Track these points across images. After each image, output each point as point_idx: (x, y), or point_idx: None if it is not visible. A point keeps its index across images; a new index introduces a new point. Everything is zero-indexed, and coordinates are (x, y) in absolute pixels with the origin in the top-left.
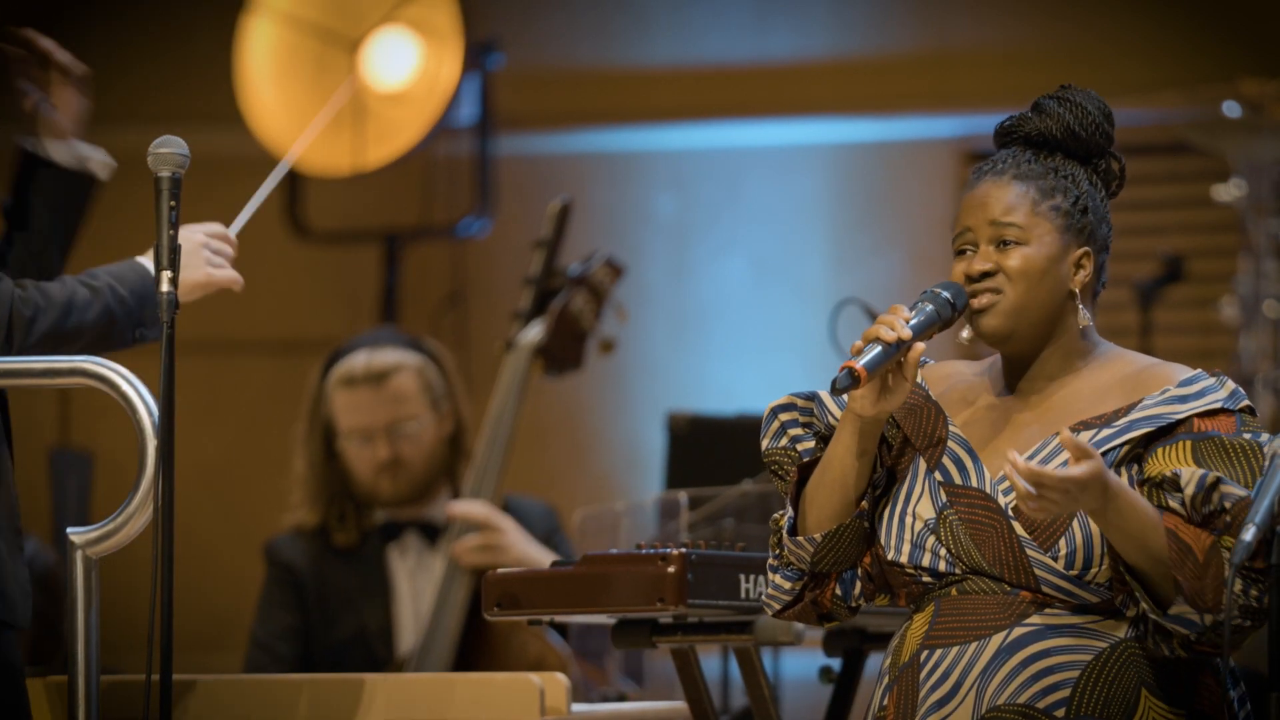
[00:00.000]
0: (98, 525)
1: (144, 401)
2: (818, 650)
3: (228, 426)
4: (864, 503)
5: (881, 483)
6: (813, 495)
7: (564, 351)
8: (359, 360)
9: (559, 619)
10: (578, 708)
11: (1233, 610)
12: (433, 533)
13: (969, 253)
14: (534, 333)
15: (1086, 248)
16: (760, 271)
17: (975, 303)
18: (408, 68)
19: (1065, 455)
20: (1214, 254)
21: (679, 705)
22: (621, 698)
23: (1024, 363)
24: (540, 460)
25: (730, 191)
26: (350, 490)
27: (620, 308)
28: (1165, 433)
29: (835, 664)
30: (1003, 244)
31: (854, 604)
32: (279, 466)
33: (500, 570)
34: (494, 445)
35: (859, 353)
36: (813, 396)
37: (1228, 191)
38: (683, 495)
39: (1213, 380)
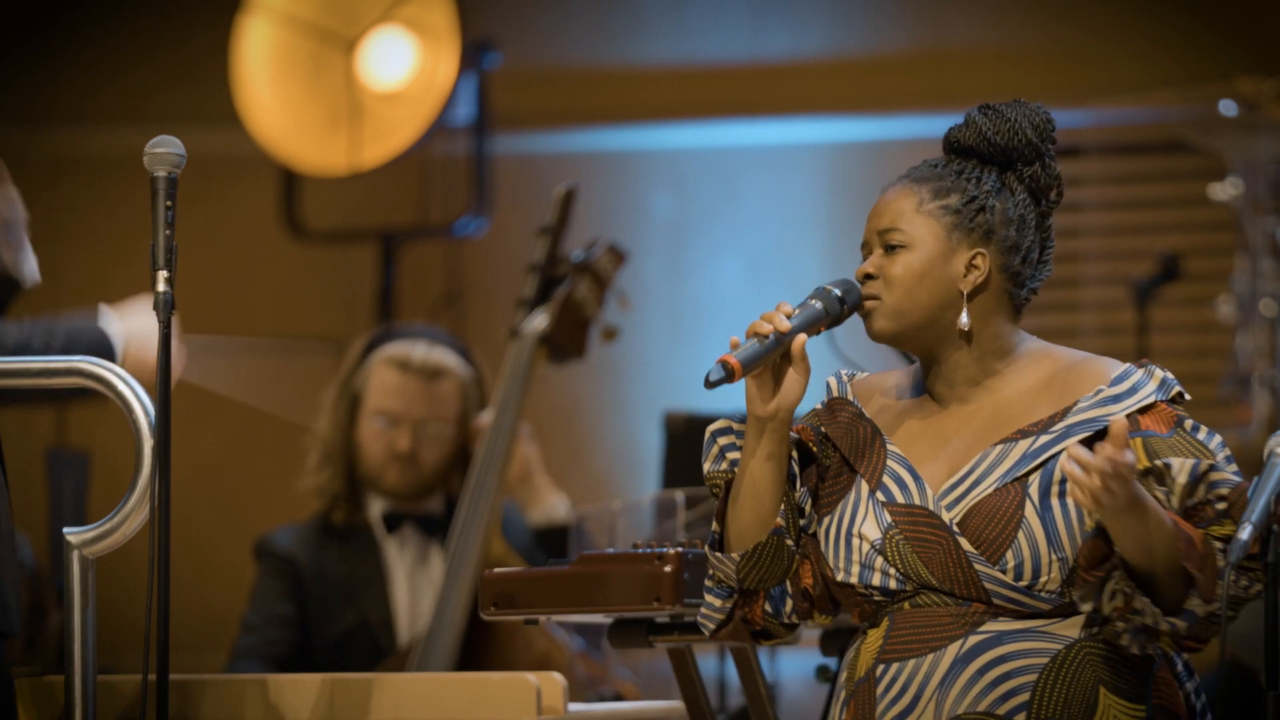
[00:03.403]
0: (94, 525)
1: (140, 401)
2: (815, 650)
3: (224, 426)
4: (780, 519)
5: (805, 501)
6: (731, 507)
7: (568, 340)
8: (418, 349)
9: (555, 619)
10: (574, 707)
11: (1226, 604)
12: (430, 526)
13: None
14: (539, 320)
15: (980, 249)
16: (757, 270)
17: (864, 305)
18: (404, 67)
19: (1000, 469)
20: (1210, 253)
21: (676, 705)
22: (618, 696)
23: (931, 363)
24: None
25: (727, 191)
26: (355, 471)
27: (623, 295)
28: (1104, 433)
29: (832, 663)
30: (889, 249)
31: (788, 620)
32: (276, 465)
33: (497, 570)
34: (499, 432)
35: (736, 347)
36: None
37: (1224, 190)
38: (679, 494)
39: (1141, 374)
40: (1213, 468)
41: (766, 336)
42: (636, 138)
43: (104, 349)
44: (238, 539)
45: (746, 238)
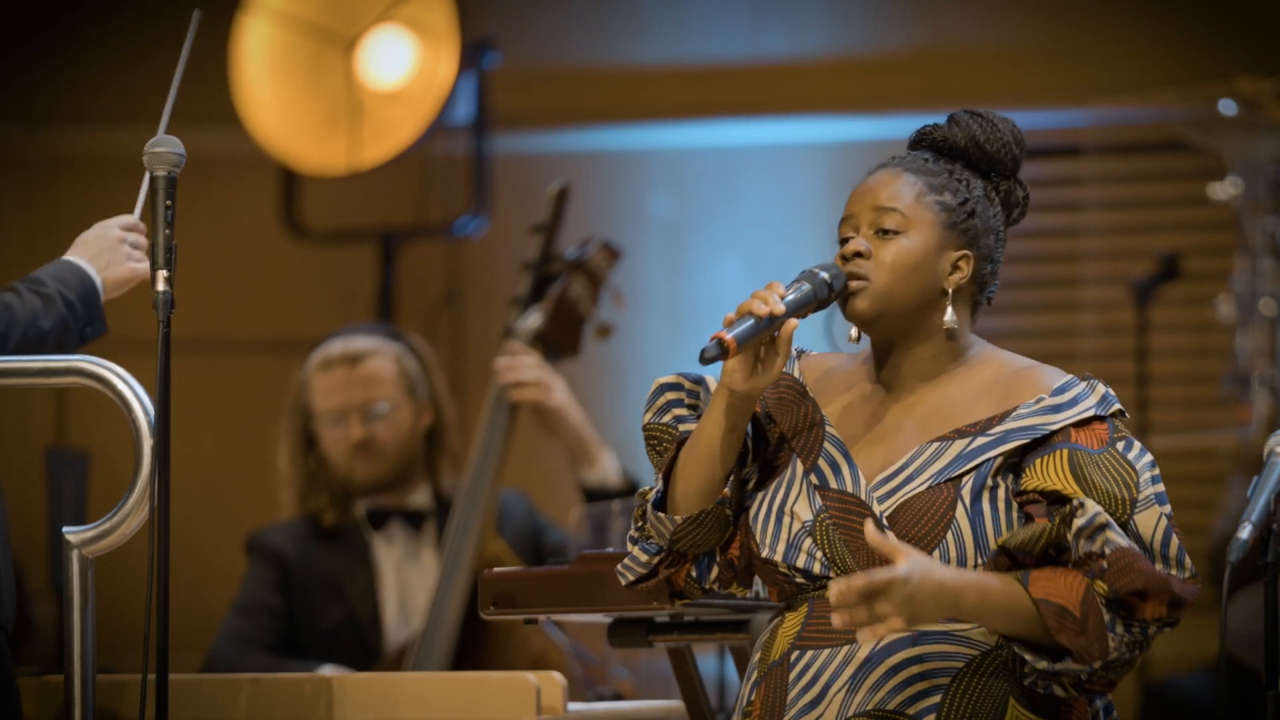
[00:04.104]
0: (94, 524)
1: (140, 400)
2: None
3: (224, 425)
4: (727, 489)
5: (753, 477)
6: (681, 469)
7: (562, 338)
8: (335, 345)
9: (555, 618)
10: (574, 707)
11: (1128, 652)
12: (417, 520)
13: (850, 239)
14: (532, 319)
15: (967, 251)
16: (756, 270)
17: (848, 285)
18: (404, 67)
19: (934, 468)
20: (1210, 252)
21: (675, 704)
22: (617, 696)
23: (888, 351)
24: (536, 458)
25: (726, 190)
26: (329, 478)
27: (617, 293)
28: (1040, 443)
29: None
30: (882, 232)
31: (708, 586)
32: (275, 465)
33: (496, 570)
34: (494, 430)
35: (730, 324)
36: (700, 380)
37: (1224, 190)
38: None
39: (1084, 386)
40: (1108, 525)
41: (762, 317)
42: (636, 138)
43: (80, 272)
44: (237, 539)
45: (746, 238)
